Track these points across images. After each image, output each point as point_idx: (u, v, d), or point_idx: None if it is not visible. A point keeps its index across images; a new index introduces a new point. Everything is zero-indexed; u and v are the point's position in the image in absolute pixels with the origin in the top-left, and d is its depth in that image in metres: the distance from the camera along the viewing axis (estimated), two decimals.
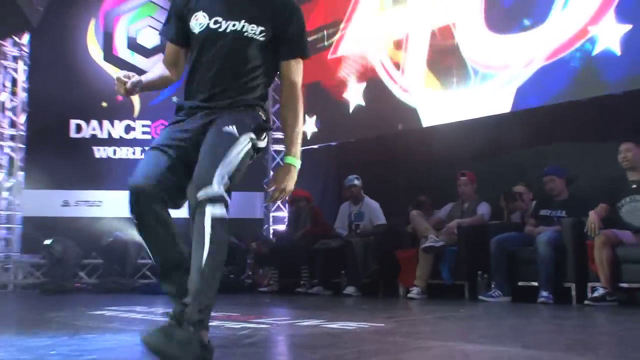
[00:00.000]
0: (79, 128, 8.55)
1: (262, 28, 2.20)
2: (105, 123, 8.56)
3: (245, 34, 2.19)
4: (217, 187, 1.99)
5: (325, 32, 7.87)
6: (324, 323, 3.32)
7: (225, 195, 2.01)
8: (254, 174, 8.33)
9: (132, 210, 2.16)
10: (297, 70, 2.32)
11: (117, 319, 3.83)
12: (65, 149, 8.43)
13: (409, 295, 5.67)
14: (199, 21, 2.23)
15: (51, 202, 8.37)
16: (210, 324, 2.82)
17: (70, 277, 7.78)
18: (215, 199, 1.98)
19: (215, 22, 2.21)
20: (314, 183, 7.75)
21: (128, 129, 8.59)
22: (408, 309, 4.92)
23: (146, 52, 8.61)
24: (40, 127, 8.55)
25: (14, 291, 8.11)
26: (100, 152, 8.52)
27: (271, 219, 8.48)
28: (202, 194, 1.98)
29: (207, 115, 2.22)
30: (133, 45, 8.71)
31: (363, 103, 7.38)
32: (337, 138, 7.80)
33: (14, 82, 8.75)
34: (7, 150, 8.54)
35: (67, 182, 8.40)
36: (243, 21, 2.18)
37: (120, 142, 8.56)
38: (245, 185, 8.13)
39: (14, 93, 8.73)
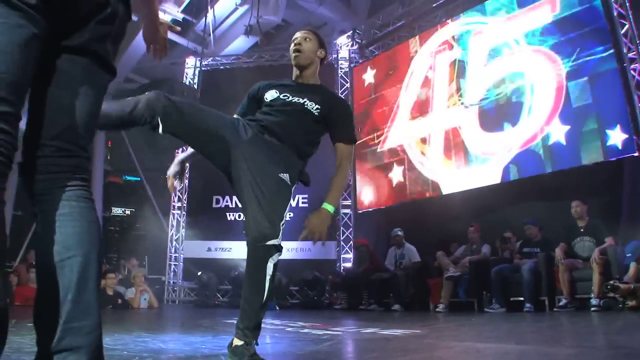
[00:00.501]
0: (217, 201, 8.81)
1: (318, 106, 1.94)
2: (234, 197, 8.63)
3: (306, 106, 1.94)
4: (280, 238, 1.73)
5: (375, 134, 7.92)
6: (379, 330, 3.19)
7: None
8: (330, 229, 8.42)
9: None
10: (347, 151, 1.97)
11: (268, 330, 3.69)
12: (209, 214, 8.72)
13: (437, 309, 5.54)
14: (271, 93, 1.99)
15: (201, 248, 8.65)
16: (302, 331, 3.07)
17: (212, 296, 7.97)
18: (279, 249, 1.73)
19: (284, 95, 1.96)
20: (371, 234, 7.68)
21: None
22: (436, 319, 4.68)
23: None
24: (195, 202, 9.01)
25: (179, 305, 8.45)
26: (230, 216, 8.72)
27: (342, 259, 8.34)
28: (272, 242, 1.70)
29: (270, 135, 1.89)
30: None
31: (402, 179, 7.38)
32: (385, 203, 7.69)
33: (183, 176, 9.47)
34: (176, 215, 9.15)
35: (210, 235, 8.64)
36: (305, 99, 1.94)
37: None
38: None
39: (181, 180, 9.45)
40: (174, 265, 9.05)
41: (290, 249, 8.18)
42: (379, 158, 7.78)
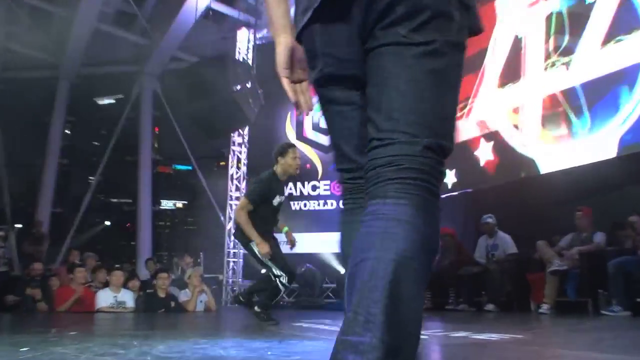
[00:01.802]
0: None
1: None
2: (298, 184, 9.10)
3: None
4: None
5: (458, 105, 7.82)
6: (471, 334, 3.11)
7: None
8: None
9: None
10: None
11: (311, 329, 3.87)
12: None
13: (540, 310, 5.39)
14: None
15: None
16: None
17: (315, 295, 8.18)
18: None
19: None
20: (456, 222, 7.58)
21: (314, 187, 9.04)
22: (540, 322, 4.60)
23: (325, 132, 8.93)
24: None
25: (240, 307, 8.78)
26: (295, 206, 9.03)
27: None
28: None
29: None
30: (317, 128, 9.20)
31: (491, 157, 7.21)
32: (472, 186, 7.60)
33: (239, 160, 9.73)
34: (234, 207, 9.37)
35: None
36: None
37: (309, 198, 9.01)
38: None
39: (238, 167, 9.67)
40: (233, 262, 9.39)
41: None
42: (464, 133, 7.68)
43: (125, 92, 12.66)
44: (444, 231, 6.93)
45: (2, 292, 5.83)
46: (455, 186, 7.82)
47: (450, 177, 7.86)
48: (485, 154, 7.34)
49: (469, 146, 7.59)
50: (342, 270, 7.79)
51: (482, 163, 7.35)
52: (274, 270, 4.05)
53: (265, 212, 4.17)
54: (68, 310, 5.58)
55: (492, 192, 7.24)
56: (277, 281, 4.04)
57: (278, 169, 4.23)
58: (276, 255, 4.10)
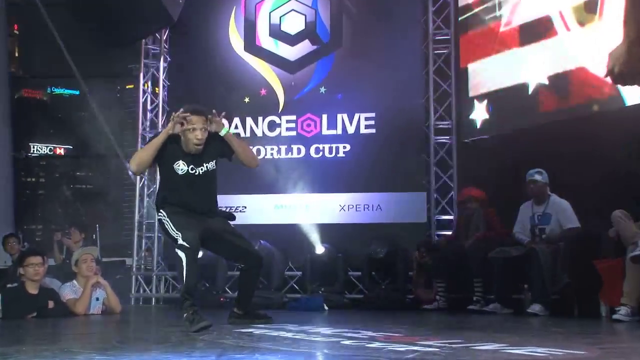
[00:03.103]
0: None
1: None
2: (248, 120, 8.91)
3: None
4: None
5: (496, 0, 7.75)
6: (506, 348, 3.17)
7: None
8: (413, 172, 8.33)
9: None
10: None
11: (267, 337, 3.89)
12: None
13: (615, 316, 5.28)
14: None
15: None
16: (370, 345, 3.34)
17: (216, 290, 8.12)
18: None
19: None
20: (486, 180, 7.58)
21: (272, 125, 8.87)
22: (615, 333, 4.60)
23: (290, 40, 8.82)
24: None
25: (158, 307, 8.76)
26: None
27: (435, 223, 8.41)
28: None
29: None
30: (276, 33, 8.95)
31: (546, 82, 7.17)
32: (513, 125, 7.59)
33: (155, 81, 9.48)
34: None
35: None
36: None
37: (264, 141, 8.84)
38: (404, 185, 8.27)
39: (154, 93, 9.45)
40: (146, 239, 9.27)
41: (346, 207, 8.44)
42: (503, 45, 7.66)
43: None
44: (468, 193, 7.20)
45: None
46: (486, 126, 7.93)
47: (478, 112, 7.93)
48: (535, 76, 7.33)
49: (510, 66, 7.61)
50: (318, 249, 7.74)
51: (529, 90, 7.40)
52: (173, 234, 4.51)
53: (172, 178, 4.70)
54: None
55: (544, 135, 7.23)
56: (177, 250, 4.43)
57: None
58: (181, 221, 4.53)
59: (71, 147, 11.36)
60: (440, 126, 8.45)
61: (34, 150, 10.75)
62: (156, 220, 4.76)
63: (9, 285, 6.27)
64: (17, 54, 11.03)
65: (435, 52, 8.56)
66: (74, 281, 6.46)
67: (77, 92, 10.96)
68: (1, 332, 5.08)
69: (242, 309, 4.96)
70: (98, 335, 4.88)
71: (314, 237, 8.06)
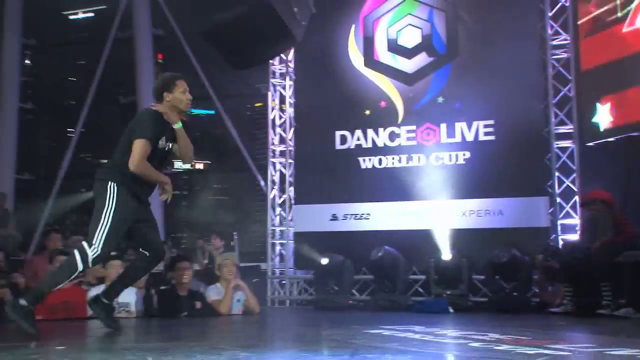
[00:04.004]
0: (343, 139, 9.06)
1: None
2: (369, 132, 8.95)
3: None
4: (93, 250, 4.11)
5: (617, 1, 7.47)
6: None
7: None
8: (535, 176, 8.15)
9: None
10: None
11: (395, 338, 3.87)
12: (331, 161, 9.02)
13: None
14: None
15: (320, 217, 9.01)
16: (498, 347, 3.26)
17: (344, 293, 8.21)
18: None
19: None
20: (613, 183, 7.37)
21: (392, 136, 8.87)
22: None
23: (408, 53, 8.80)
24: (307, 141, 9.33)
25: (292, 308, 8.91)
26: (365, 163, 8.91)
27: (559, 227, 8.15)
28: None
29: None
30: (394, 48, 8.95)
31: None
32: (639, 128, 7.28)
33: (282, 98, 9.64)
34: (278, 166, 9.48)
35: (334, 196, 8.94)
36: None
37: (385, 151, 8.86)
38: (524, 190, 8.12)
39: (282, 110, 9.62)
40: (280, 245, 9.45)
41: (467, 212, 8.35)
42: (627, 46, 7.39)
43: (108, 1, 12.61)
44: (594, 195, 6.95)
45: None
46: (611, 128, 7.65)
47: (603, 115, 7.67)
48: None
49: (636, 66, 7.32)
50: (445, 255, 7.71)
51: None
52: (100, 229, 4.16)
53: (151, 157, 4.40)
54: (49, 317, 5.64)
55: None
56: (82, 251, 4.15)
57: (162, 108, 4.54)
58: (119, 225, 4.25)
59: (209, 161, 11.79)
60: (561, 131, 8.20)
61: (176, 165, 11.27)
62: (111, 186, 4.18)
63: (162, 288, 6.58)
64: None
65: (554, 57, 8.34)
66: (217, 284, 6.70)
67: (213, 112, 11.33)
68: (159, 329, 5.41)
69: (110, 299, 4.57)
70: (241, 334, 5.05)
71: (440, 242, 8.00)
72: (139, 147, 4.29)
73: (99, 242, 4.09)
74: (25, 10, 12.08)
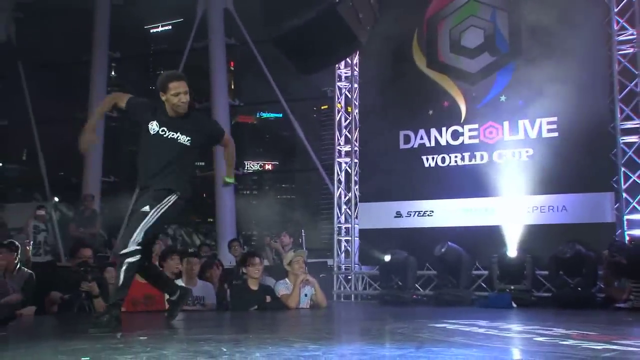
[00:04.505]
0: (407, 139, 9.12)
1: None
2: (433, 131, 8.97)
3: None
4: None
5: None
6: None
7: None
8: (600, 172, 7.98)
9: None
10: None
11: (460, 332, 3.83)
12: (395, 160, 9.08)
13: None
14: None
15: (384, 214, 9.10)
16: (564, 342, 3.18)
17: (407, 288, 8.20)
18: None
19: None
20: None
21: (455, 134, 8.86)
22: None
23: (470, 53, 8.79)
24: (371, 141, 9.41)
25: (357, 302, 8.99)
26: (429, 161, 8.96)
27: (625, 223, 7.92)
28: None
29: None
30: (456, 48, 8.94)
31: None
32: None
33: (347, 100, 9.78)
34: (344, 166, 9.62)
35: (398, 194, 9.02)
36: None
37: (448, 149, 8.86)
38: (588, 186, 7.95)
39: (347, 111, 9.74)
40: (346, 242, 9.53)
41: (531, 208, 8.27)
42: None
43: (185, 14, 12.94)
44: None
45: (46, 288, 6.08)
46: None
47: None
48: None
49: None
50: (510, 252, 7.65)
51: None
52: (135, 233, 4.15)
53: (144, 141, 4.38)
54: (131, 310, 5.86)
55: None
56: (129, 253, 4.14)
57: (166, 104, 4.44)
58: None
59: (277, 162, 11.96)
60: (628, 126, 7.99)
61: (248, 167, 11.48)
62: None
63: (234, 282, 6.70)
64: (232, 86, 11.83)
65: (619, 52, 8.12)
66: (286, 279, 6.77)
67: (281, 115, 11.52)
68: (231, 322, 5.52)
69: (168, 294, 4.87)
70: (309, 327, 5.09)
71: (504, 238, 7.96)
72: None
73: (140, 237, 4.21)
74: (111, 25, 12.69)
